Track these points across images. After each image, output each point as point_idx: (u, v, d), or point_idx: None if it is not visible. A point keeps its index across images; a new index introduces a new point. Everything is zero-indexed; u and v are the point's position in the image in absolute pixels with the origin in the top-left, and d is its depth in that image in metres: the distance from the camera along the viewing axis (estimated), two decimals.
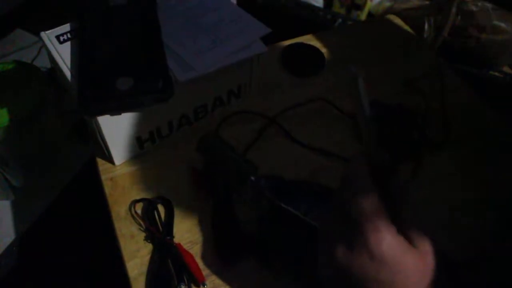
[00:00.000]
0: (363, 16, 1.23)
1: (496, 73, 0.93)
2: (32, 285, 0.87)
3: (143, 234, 0.59)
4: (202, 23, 0.66)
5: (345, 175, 0.36)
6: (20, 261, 0.86)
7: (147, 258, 0.56)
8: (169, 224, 0.59)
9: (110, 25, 0.60)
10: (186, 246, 0.57)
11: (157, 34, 0.60)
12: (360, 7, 1.21)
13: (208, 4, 0.69)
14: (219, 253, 0.57)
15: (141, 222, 0.59)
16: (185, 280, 0.53)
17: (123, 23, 0.61)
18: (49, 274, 0.87)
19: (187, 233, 0.59)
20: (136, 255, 0.57)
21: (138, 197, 0.62)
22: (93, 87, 0.53)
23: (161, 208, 0.61)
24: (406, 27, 0.94)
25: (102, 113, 0.55)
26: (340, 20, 1.07)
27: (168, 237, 0.57)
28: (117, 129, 0.60)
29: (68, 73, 0.56)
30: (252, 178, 0.55)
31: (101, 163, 0.66)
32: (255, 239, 0.56)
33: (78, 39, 0.59)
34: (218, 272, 0.56)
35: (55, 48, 0.58)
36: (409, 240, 0.33)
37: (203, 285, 0.54)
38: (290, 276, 0.53)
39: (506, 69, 0.96)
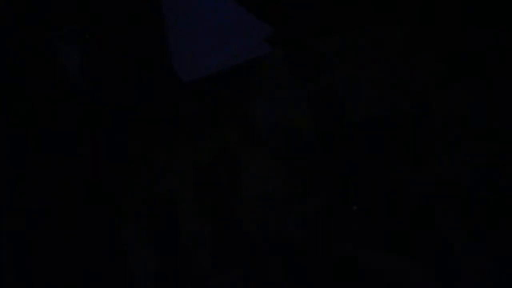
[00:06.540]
0: None
1: None
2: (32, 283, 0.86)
3: (147, 233, 0.60)
4: (206, 23, 0.66)
5: None
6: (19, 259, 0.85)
7: (150, 257, 0.57)
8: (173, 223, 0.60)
9: None
10: (187, 245, 0.58)
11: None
12: None
13: (211, 4, 0.70)
14: None
15: (146, 221, 0.60)
16: None
17: None
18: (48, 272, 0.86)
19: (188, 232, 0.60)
20: (140, 253, 0.58)
21: (142, 197, 0.62)
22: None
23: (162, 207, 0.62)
24: None
25: None
26: None
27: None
28: None
29: None
30: None
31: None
32: None
33: None
34: (217, 272, 0.56)
35: None
36: None
37: None
38: None
39: None
